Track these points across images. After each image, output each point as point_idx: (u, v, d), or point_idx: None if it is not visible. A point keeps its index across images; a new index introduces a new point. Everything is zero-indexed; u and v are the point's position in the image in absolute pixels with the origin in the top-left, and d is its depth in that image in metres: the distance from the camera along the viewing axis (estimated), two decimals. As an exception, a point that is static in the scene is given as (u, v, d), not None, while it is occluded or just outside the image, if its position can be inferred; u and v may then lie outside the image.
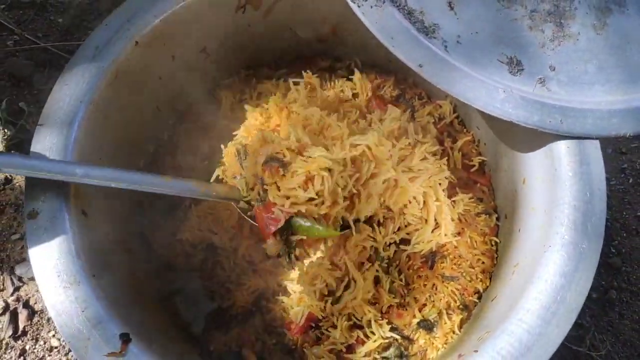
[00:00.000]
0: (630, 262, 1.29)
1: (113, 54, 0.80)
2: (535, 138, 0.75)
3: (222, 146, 0.90)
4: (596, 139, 0.71)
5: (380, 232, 0.84)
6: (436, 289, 0.86)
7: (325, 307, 0.82)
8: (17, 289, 1.25)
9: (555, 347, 0.62)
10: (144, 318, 0.77)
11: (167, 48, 0.90)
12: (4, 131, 1.34)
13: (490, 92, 0.69)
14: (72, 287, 0.65)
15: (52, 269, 0.66)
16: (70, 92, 0.77)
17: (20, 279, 1.26)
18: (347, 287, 0.84)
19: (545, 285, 0.65)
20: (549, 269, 0.66)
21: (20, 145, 1.32)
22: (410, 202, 0.85)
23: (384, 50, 1.02)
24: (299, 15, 0.99)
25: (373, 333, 0.81)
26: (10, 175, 1.34)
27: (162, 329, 0.81)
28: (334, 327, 0.82)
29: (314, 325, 0.83)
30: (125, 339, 0.63)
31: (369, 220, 0.85)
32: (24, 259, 1.26)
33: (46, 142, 0.73)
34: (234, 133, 0.94)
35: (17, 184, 1.33)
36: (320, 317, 0.83)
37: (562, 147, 0.72)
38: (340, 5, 0.96)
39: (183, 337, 0.89)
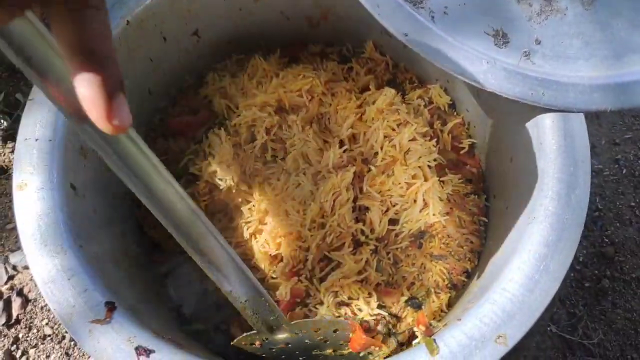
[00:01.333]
0: (623, 251, 1.30)
1: (104, 32, 0.81)
2: (518, 111, 0.76)
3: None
4: (577, 112, 0.72)
5: (370, 222, 0.85)
6: (424, 268, 0.86)
7: (311, 285, 0.83)
8: (11, 277, 1.25)
9: (538, 315, 0.63)
10: (132, 292, 0.77)
11: (158, 29, 0.91)
12: (0, 121, 1.36)
13: (473, 62, 0.70)
14: (59, 256, 0.66)
15: (39, 238, 0.67)
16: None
17: (14, 267, 1.26)
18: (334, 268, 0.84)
19: (529, 255, 0.65)
20: (532, 240, 0.66)
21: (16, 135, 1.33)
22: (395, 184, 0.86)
23: (375, 35, 1.04)
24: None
25: (360, 310, 0.82)
26: (6, 165, 1.35)
27: (150, 305, 0.81)
28: (322, 303, 0.83)
29: (299, 301, 0.83)
30: (110, 306, 0.64)
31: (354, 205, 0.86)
32: (18, 248, 1.27)
33: (36, 116, 0.74)
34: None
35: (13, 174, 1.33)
36: (305, 295, 0.83)
37: (547, 122, 0.73)
38: (330, -12, 0.98)
39: (173, 316, 0.89)
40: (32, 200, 0.69)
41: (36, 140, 0.73)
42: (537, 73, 0.70)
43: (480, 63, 0.70)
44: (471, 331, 0.62)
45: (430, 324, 0.74)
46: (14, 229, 1.29)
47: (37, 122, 0.74)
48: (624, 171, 1.40)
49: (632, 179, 1.38)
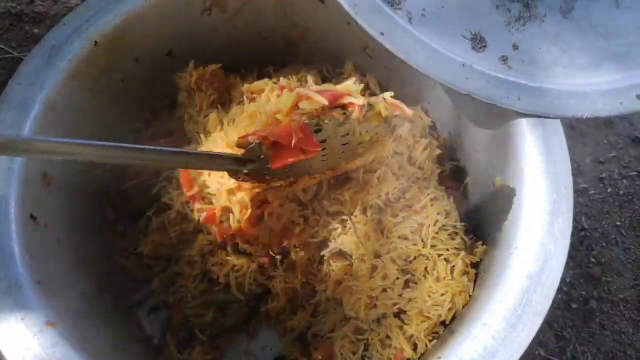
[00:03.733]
0: (610, 271, 1.28)
1: (70, 53, 0.78)
2: (494, 116, 0.75)
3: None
4: (554, 117, 0.70)
5: None
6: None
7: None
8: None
9: (520, 352, 0.60)
10: (98, 330, 0.73)
11: (129, 50, 0.88)
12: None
13: (449, 64, 0.69)
14: (12, 293, 0.62)
15: (-8, 274, 0.63)
16: (23, 90, 0.74)
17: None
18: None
19: (511, 287, 0.63)
20: (514, 271, 0.64)
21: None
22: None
23: (354, 55, 1.02)
24: (267, 19, 0.97)
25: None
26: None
27: (117, 340, 0.77)
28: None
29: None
30: (67, 347, 0.59)
31: None
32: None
33: (-6, 142, 0.70)
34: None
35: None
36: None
37: (528, 147, 0.71)
38: (307, 9, 0.96)
39: (144, 347, 0.85)
40: (-14, 233, 0.65)
41: (-6, 168, 0.69)
42: (513, 77, 0.70)
43: (457, 65, 0.69)
44: (451, 371, 0.58)
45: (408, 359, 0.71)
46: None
47: (-5, 148, 0.70)
48: (609, 190, 1.38)
49: (617, 197, 1.37)
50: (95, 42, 0.81)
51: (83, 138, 0.85)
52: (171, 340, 0.86)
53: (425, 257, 0.80)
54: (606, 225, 1.34)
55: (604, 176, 1.39)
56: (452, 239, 0.78)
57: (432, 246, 0.78)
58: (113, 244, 0.91)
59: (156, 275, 0.90)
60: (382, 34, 0.69)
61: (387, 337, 0.79)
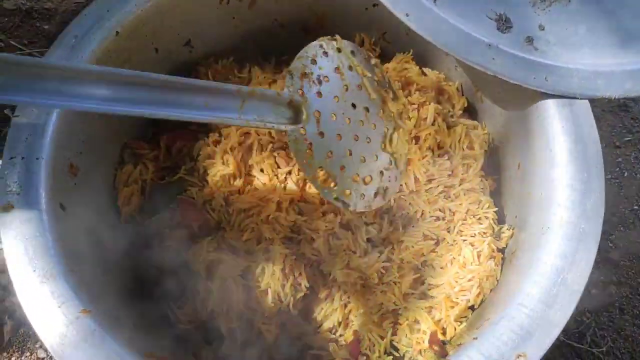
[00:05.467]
0: (628, 256, 1.27)
1: (92, 43, 0.78)
2: (520, 96, 0.74)
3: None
4: (581, 98, 0.70)
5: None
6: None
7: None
8: (1, 300, 1.21)
9: (558, 331, 0.59)
10: (129, 318, 0.74)
11: (149, 40, 0.87)
12: (-12, 137, 1.31)
13: (475, 44, 0.69)
14: (49, 281, 0.62)
15: (26, 263, 0.63)
16: (47, 82, 0.74)
17: (4, 288, 1.22)
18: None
19: (545, 268, 0.62)
20: (547, 251, 0.63)
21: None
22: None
23: (370, 41, 1.01)
24: (285, 6, 0.97)
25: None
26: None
27: (146, 328, 0.77)
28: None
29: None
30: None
31: None
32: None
33: (22, 133, 0.70)
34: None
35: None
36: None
37: (556, 127, 0.70)
38: (326, -6, 0.96)
39: (173, 335, 0.85)
40: (19, 223, 0.65)
41: (22, 158, 0.69)
42: (540, 58, 0.69)
43: (483, 46, 0.69)
44: (489, 351, 0.58)
45: (444, 342, 0.71)
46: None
47: (23, 140, 0.70)
48: (626, 174, 1.38)
49: (634, 181, 1.36)
50: (117, 32, 0.81)
51: (106, 130, 0.86)
52: (198, 331, 0.87)
53: (450, 244, 0.80)
54: (623, 210, 1.34)
55: (620, 160, 1.39)
56: (480, 223, 0.78)
57: (459, 232, 0.77)
58: (136, 234, 0.90)
59: (179, 265, 0.90)
60: (407, 14, 0.69)
61: (416, 321, 0.79)
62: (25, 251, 0.64)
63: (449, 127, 0.90)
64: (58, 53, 0.77)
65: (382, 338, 0.79)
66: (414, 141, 0.84)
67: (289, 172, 0.86)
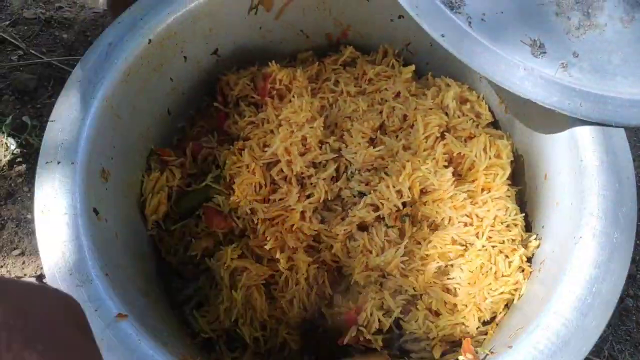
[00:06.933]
0: (645, 269, 1.27)
1: (126, 51, 0.79)
2: (553, 125, 0.75)
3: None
4: (616, 126, 0.70)
5: None
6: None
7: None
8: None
9: (593, 342, 0.60)
10: (157, 323, 0.74)
11: (179, 48, 0.89)
12: (7, 145, 1.32)
13: (510, 68, 0.70)
14: (85, 285, 0.62)
15: (63, 266, 0.63)
16: (82, 88, 0.75)
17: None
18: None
19: (579, 277, 0.63)
20: (581, 261, 0.64)
21: (23, 159, 1.30)
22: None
23: (393, 52, 1.03)
24: (310, 18, 0.98)
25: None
26: (12, 189, 1.31)
27: (175, 333, 0.77)
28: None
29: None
30: (140, 339, 0.60)
31: None
32: (25, 275, 1.22)
33: (58, 138, 0.71)
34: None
35: (19, 198, 1.30)
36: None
37: (587, 138, 0.71)
38: (352, 6, 0.97)
39: (196, 342, 0.85)
40: (56, 226, 0.66)
41: (58, 163, 0.70)
42: (574, 84, 0.69)
43: (517, 69, 0.69)
44: (525, 359, 0.58)
45: (477, 352, 0.71)
46: (21, 255, 1.25)
47: (58, 145, 0.71)
48: (640, 187, 1.38)
49: (650, 195, 1.37)
50: (149, 40, 0.82)
51: (136, 136, 0.87)
52: (220, 339, 0.86)
53: (479, 249, 0.80)
54: (639, 223, 1.34)
55: (636, 172, 1.39)
56: (509, 230, 0.78)
57: (488, 237, 0.78)
58: (160, 241, 0.91)
59: (202, 272, 0.91)
60: (442, 35, 0.70)
61: (437, 313, 0.79)
62: (62, 255, 0.64)
63: (471, 137, 0.90)
64: (93, 59, 0.78)
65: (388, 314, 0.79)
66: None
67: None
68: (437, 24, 0.70)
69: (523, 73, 0.69)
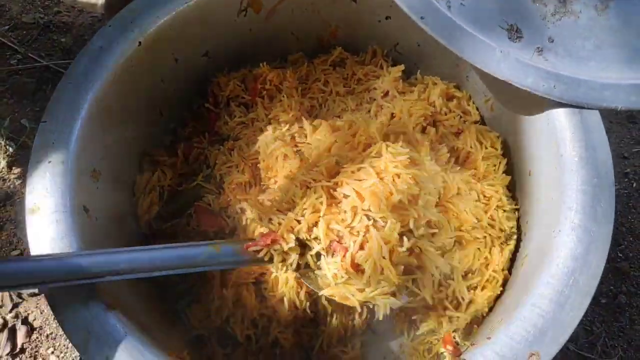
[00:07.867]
0: (638, 266, 1.28)
1: (116, 54, 0.81)
2: (530, 103, 0.77)
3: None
4: (588, 108, 0.72)
5: None
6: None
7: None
8: (16, 305, 1.22)
9: (570, 332, 0.61)
10: (147, 317, 0.75)
11: (169, 50, 0.90)
12: (6, 147, 1.35)
13: (487, 51, 0.72)
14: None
15: (53, 262, 0.65)
16: (73, 89, 0.77)
17: (19, 295, 1.24)
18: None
19: (557, 269, 0.64)
20: (559, 253, 0.65)
21: (21, 161, 1.33)
22: None
23: (382, 52, 1.04)
24: (299, 19, 1.00)
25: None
26: (11, 191, 1.34)
27: (165, 329, 0.79)
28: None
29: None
30: (127, 332, 0.61)
31: None
32: (23, 275, 1.24)
33: (49, 139, 0.73)
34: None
35: (18, 200, 1.32)
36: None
37: (567, 134, 0.72)
38: (340, 7, 0.99)
39: (188, 337, 0.86)
40: (46, 224, 0.67)
41: (49, 162, 0.71)
42: (549, 68, 0.72)
43: (494, 52, 0.72)
44: (503, 350, 0.59)
45: (457, 344, 0.72)
46: (20, 255, 1.27)
47: (49, 145, 0.73)
48: (634, 185, 1.39)
49: (643, 192, 1.37)
50: (139, 43, 0.84)
51: (127, 137, 0.89)
52: (212, 335, 0.88)
53: (479, 239, 0.81)
54: (632, 220, 1.34)
55: (628, 171, 1.40)
56: (509, 220, 0.80)
57: (489, 224, 0.79)
58: (152, 239, 0.93)
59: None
60: (422, 17, 0.72)
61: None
62: (52, 251, 0.66)
63: (460, 132, 0.92)
64: (84, 62, 0.80)
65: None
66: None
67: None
68: (417, 6, 0.72)
69: (500, 56, 0.72)
